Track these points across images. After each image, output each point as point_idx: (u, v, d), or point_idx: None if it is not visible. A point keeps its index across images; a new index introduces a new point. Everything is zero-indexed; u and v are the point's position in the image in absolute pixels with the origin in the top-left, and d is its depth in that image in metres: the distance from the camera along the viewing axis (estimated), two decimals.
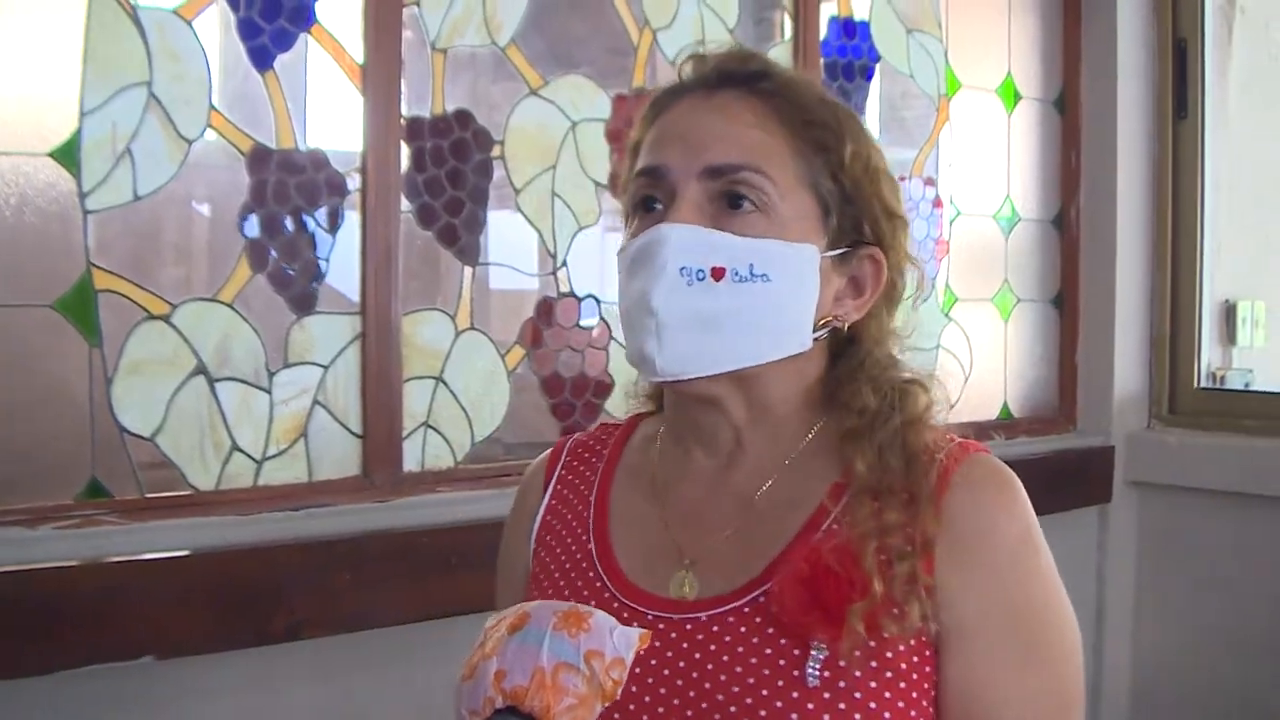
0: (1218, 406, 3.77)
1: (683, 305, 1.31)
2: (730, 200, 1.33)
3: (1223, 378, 3.91)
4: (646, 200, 1.38)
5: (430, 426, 2.60)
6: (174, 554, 2.17)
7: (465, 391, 2.66)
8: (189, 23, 2.26)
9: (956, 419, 3.61)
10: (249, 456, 2.37)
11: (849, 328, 1.42)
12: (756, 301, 1.32)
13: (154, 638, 2.12)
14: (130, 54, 2.19)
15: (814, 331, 1.38)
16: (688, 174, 1.34)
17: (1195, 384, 3.84)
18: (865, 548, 1.27)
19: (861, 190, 1.38)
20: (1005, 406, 3.82)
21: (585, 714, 1.15)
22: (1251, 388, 3.91)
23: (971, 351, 3.72)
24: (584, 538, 1.48)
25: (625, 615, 1.36)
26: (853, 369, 1.42)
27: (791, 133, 1.36)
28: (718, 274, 1.31)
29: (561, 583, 1.46)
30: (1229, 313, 3.94)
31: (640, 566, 1.42)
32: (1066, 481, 3.69)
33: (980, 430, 3.58)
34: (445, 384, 2.62)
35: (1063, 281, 3.93)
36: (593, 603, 1.38)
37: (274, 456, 2.40)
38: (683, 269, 1.31)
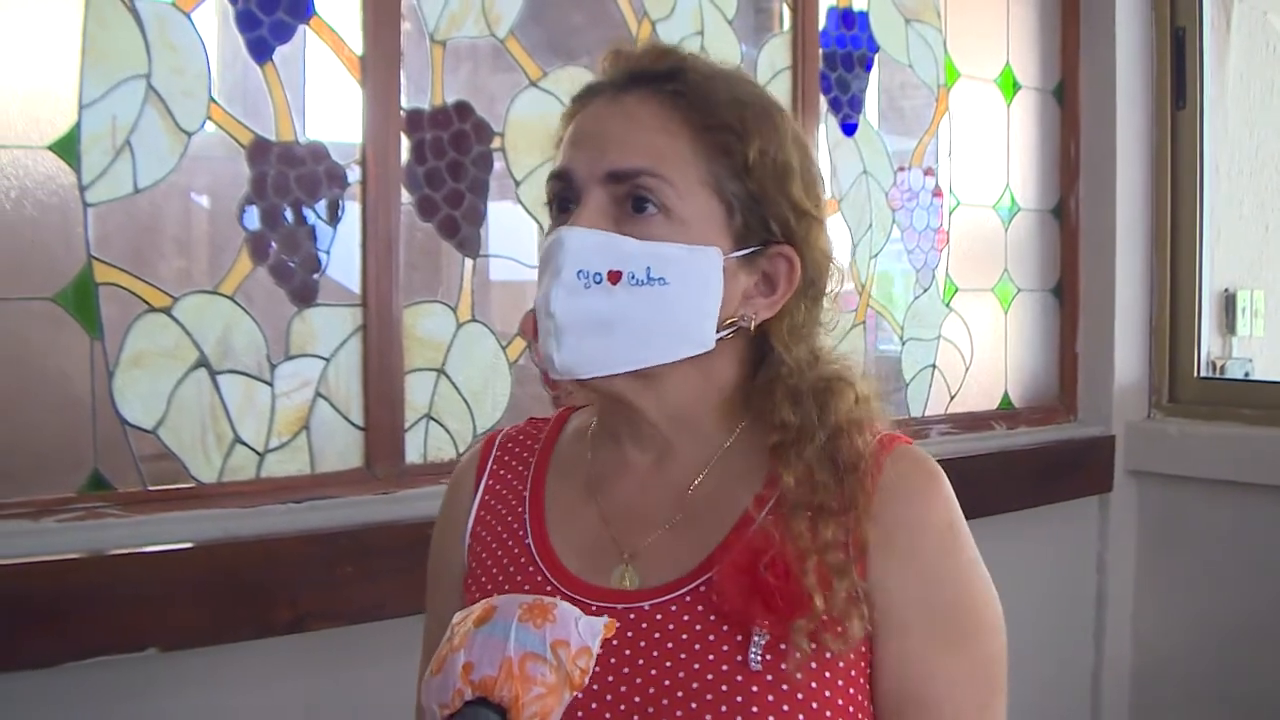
0: (1217, 396, 3.77)
1: (579, 308, 1.34)
2: (634, 204, 1.35)
3: (1222, 367, 3.91)
4: (560, 201, 1.41)
5: (432, 418, 2.60)
6: (176, 546, 2.17)
7: (467, 383, 2.65)
8: (187, 15, 2.25)
9: (958, 410, 3.63)
10: (251, 449, 2.36)
11: (759, 326, 1.42)
12: (653, 304, 1.34)
13: (157, 630, 2.12)
14: (129, 46, 2.19)
15: (719, 331, 1.39)
16: (591, 178, 1.36)
17: (1195, 373, 3.85)
18: (804, 565, 1.30)
19: (768, 191, 1.38)
20: (1006, 396, 3.82)
21: (554, 702, 1.16)
22: (1251, 377, 3.91)
23: (972, 341, 3.73)
24: (520, 533, 1.50)
25: None
26: (770, 379, 1.43)
27: (694, 135, 1.37)
28: (614, 277, 1.33)
29: (500, 578, 1.47)
30: (1228, 302, 3.94)
31: (580, 560, 1.44)
32: (1067, 471, 3.70)
33: (981, 420, 3.59)
34: (447, 376, 2.62)
35: (1062, 271, 3.94)
36: None
37: (276, 449, 2.40)
38: (579, 272, 1.33)
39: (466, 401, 2.65)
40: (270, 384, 2.38)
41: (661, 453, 1.46)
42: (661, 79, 1.39)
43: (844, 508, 1.34)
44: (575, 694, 1.19)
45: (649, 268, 1.33)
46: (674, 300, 1.34)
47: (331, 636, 2.32)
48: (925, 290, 3.59)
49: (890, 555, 1.34)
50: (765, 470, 1.41)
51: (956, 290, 3.68)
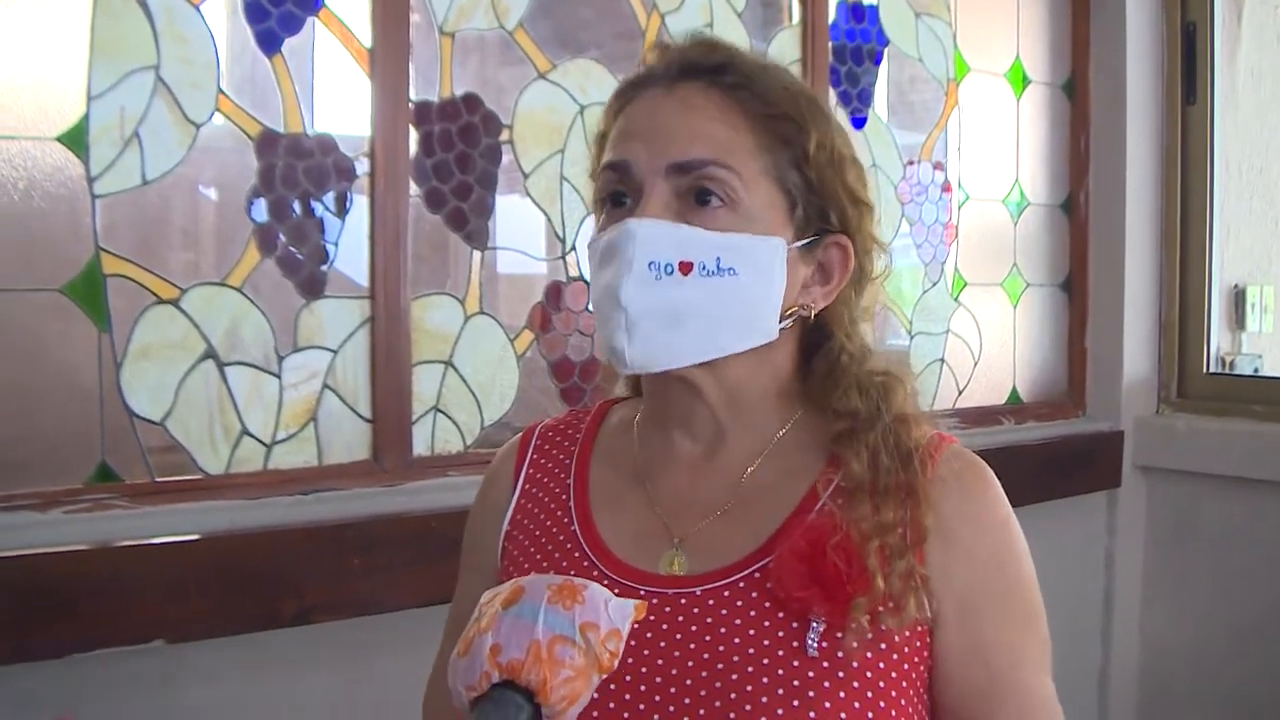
0: (1226, 391, 3.76)
1: (651, 299, 1.34)
2: (697, 196, 1.35)
3: (1231, 363, 3.90)
4: (615, 195, 1.40)
5: (440, 411, 2.60)
6: (184, 538, 2.17)
7: (474, 376, 2.65)
8: (196, 7, 2.25)
9: (966, 404, 3.62)
10: (259, 441, 2.36)
11: (816, 315, 1.45)
12: (724, 294, 1.35)
13: (164, 622, 2.12)
14: (137, 38, 2.19)
15: (780, 321, 1.41)
16: (654, 170, 1.36)
17: (1204, 369, 3.84)
18: (867, 546, 1.31)
19: (826, 180, 1.40)
20: (1014, 391, 3.82)
21: (582, 686, 1.15)
22: (1260, 373, 3.90)
23: (980, 336, 3.72)
24: (565, 520, 1.49)
25: (617, 591, 1.36)
26: (832, 367, 1.45)
27: (755, 126, 1.37)
28: (685, 268, 1.34)
29: (545, 564, 1.46)
30: (1238, 297, 3.93)
31: (628, 545, 1.44)
32: (1075, 466, 3.70)
33: (989, 415, 3.59)
34: (454, 368, 2.62)
35: (1072, 266, 3.93)
36: None
37: (284, 441, 2.40)
38: (651, 264, 1.33)
39: (474, 394, 2.65)
40: (278, 376, 2.38)
41: (713, 441, 1.46)
42: (715, 71, 1.39)
43: (903, 492, 1.36)
44: (603, 676, 1.18)
45: (719, 258, 1.34)
46: (743, 291, 1.36)
47: (338, 628, 2.32)
48: (934, 284, 3.59)
49: (952, 547, 1.36)
50: (822, 461, 1.42)
51: (965, 285, 3.67)
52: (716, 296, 1.34)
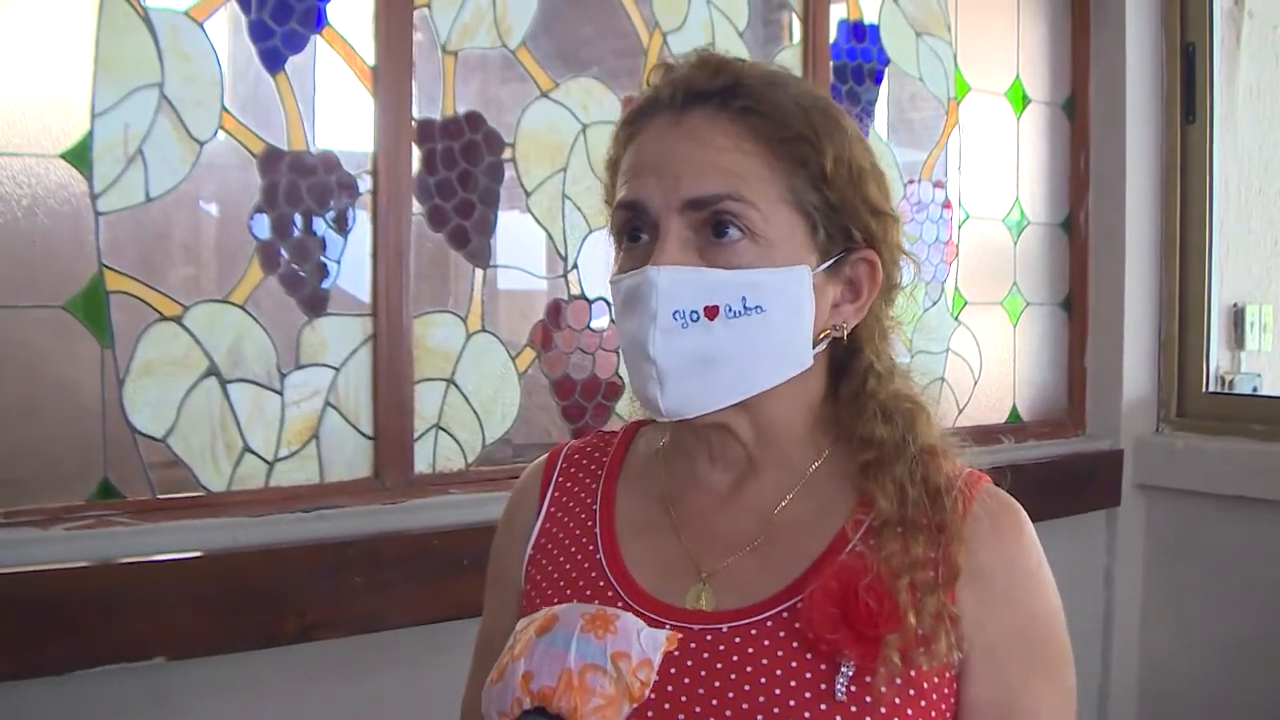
0: (1226, 410, 3.77)
1: (679, 349, 1.30)
2: (715, 229, 1.30)
3: (1231, 382, 3.91)
4: (632, 231, 1.36)
5: (441, 428, 2.60)
6: (185, 555, 2.17)
7: (476, 393, 2.66)
8: (200, 24, 2.26)
9: (966, 423, 3.62)
10: (260, 458, 2.37)
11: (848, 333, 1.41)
12: (753, 333, 1.31)
13: (165, 638, 2.12)
14: (142, 55, 2.19)
15: (814, 346, 1.38)
16: (668, 208, 1.31)
17: (1203, 388, 3.84)
18: (898, 583, 1.28)
19: (847, 198, 1.35)
20: (1014, 410, 3.82)
21: (612, 714, 1.16)
22: (1259, 392, 3.90)
23: (980, 355, 3.72)
24: (590, 547, 1.47)
25: None
26: (858, 392, 1.42)
27: (769, 151, 1.32)
28: (711, 313, 1.30)
29: (569, 592, 1.44)
30: (1237, 316, 3.94)
31: (654, 578, 1.41)
32: (1075, 485, 3.70)
33: (989, 434, 3.59)
34: (456, 386, 2.62)
35: (1071, 285, 3.94)
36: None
37: (285, 458, 2.40)
38: (675, 313, 1.30)
39: (476, 411, 2.65)
40: (280, 393, 2.38)
41: (742, 474, 1.43)
42: (723, 94, 1.33)
43: (934, 527, 1.33)
44: (634, 706, 1.18)
45: (744, 297, 1.30)
46: (772, 326, 1.32)
47: (339, 646, 2.32)
48: (934, 303, 3.59)
49: (983, 591, 1.33)
50: (854, 498, 1.39)
51: (965, 303, 3.68)
52: (746, 336, 1.31)
